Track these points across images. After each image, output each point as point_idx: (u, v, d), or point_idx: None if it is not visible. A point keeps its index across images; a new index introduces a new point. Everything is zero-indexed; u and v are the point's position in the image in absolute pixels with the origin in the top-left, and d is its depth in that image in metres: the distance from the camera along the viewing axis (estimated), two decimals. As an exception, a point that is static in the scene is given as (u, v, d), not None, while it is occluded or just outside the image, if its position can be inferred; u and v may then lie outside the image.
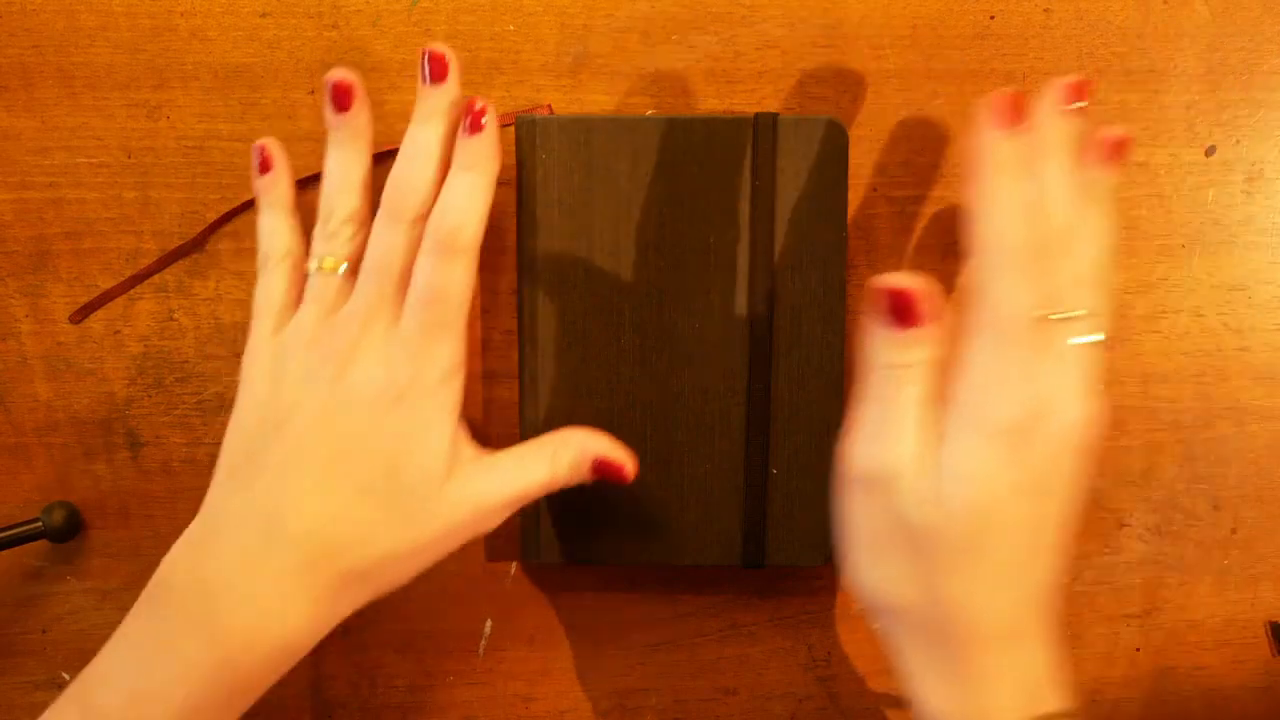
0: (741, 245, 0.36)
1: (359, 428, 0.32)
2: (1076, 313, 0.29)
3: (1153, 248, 0.43)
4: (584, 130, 0.36)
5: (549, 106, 0.36)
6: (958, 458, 0.28)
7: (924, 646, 0.30)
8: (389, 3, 0.39)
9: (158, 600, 0.31)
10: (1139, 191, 0.43)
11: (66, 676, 0.41)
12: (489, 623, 0.42)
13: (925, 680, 0.30)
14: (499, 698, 0.43)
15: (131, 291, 0.39)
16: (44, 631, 0.41)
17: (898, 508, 0.29)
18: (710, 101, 0.40)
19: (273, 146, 0.35)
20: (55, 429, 0.40)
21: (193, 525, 0.32)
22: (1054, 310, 0.29)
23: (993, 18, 0.41)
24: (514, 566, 0.42)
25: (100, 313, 0.39)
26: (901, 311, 0.27)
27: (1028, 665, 0.30)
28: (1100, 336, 0.29)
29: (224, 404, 0.40)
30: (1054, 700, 0.30)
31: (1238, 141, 0.43)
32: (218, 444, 0.33)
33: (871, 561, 0.30)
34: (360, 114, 0.34)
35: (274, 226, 0.35)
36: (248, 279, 0.40)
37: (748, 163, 0.36)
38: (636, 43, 0.40)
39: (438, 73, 0.33)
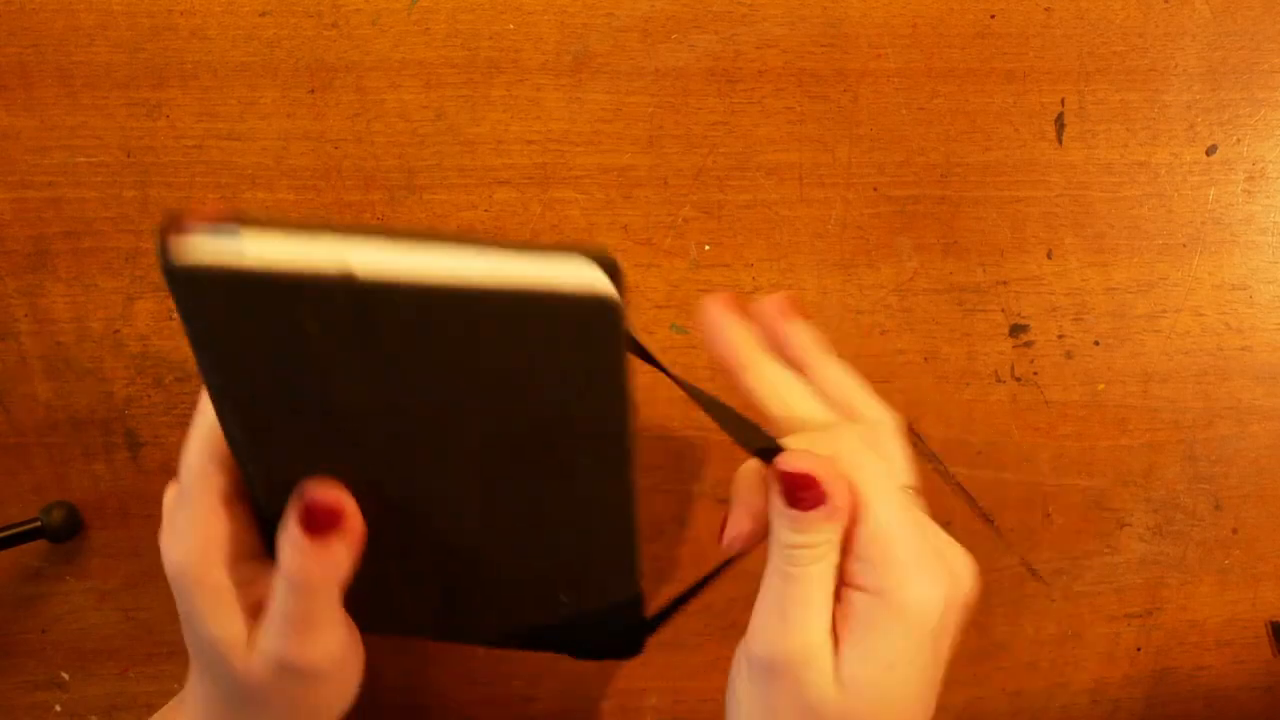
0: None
1: None
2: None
3: (1154, 247, 0.43)
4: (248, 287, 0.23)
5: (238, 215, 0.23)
6: (875, 645, 0.26)
7: None
8: (389, 2, 0.39)
9: None
10: (1140, 191, 0.43)
11: (66, 676, 0.41)
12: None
13: None
14: (499, 698, 0.43)
15: (130, 290, 0.39)
16: (43, 631, 0.41)
17: (804, 696, 0.26)
18: (711, 100, 0.40)
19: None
20: (55, 429, 0.40)
21: None
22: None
23: (993, 17, 0.41)
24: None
25: (100, 312, 0.39)
26: (802, 494, 0.24)
27: None
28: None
29: (223, 403, 0.40)
30: None
31: (1239, 140, 0.43)
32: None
33: None
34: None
35: None
36: (247, 278, 0.40)
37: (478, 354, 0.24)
38: (636, 42, 0.40)
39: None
